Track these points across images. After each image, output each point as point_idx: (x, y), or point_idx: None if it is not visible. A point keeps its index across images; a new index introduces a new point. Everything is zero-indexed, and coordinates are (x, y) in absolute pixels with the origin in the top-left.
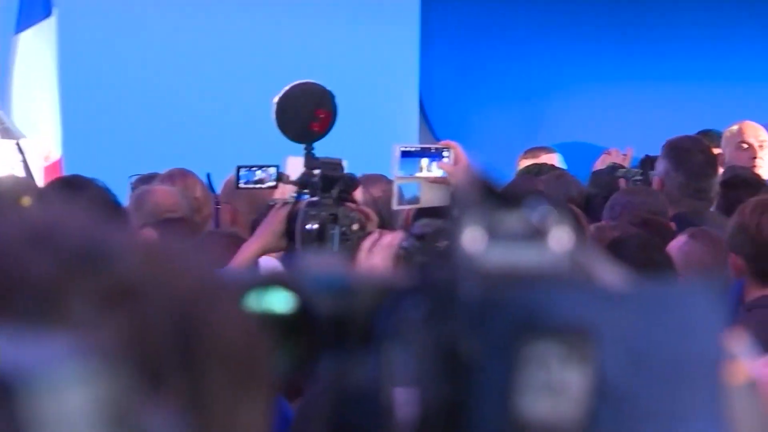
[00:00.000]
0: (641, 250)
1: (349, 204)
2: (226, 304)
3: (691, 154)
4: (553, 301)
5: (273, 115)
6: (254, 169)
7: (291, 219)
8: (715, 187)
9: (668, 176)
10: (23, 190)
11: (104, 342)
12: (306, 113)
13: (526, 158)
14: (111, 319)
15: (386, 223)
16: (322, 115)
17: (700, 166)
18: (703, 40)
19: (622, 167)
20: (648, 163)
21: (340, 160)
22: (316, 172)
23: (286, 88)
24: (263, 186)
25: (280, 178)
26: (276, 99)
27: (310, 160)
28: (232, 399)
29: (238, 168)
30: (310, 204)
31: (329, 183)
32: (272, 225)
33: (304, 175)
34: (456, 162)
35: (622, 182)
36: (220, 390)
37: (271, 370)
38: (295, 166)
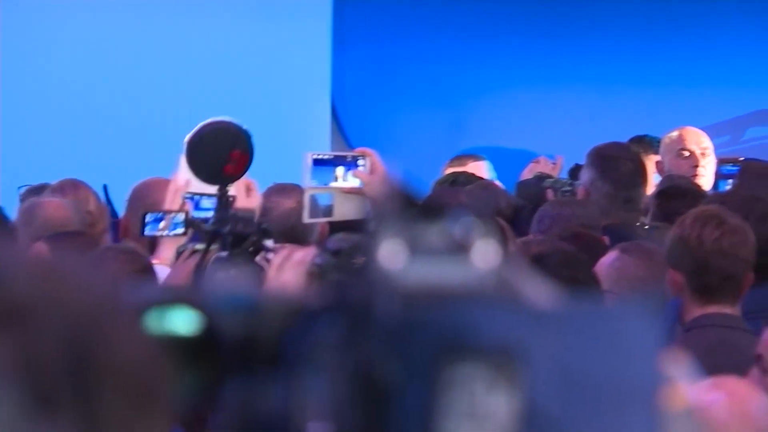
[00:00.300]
0: (564, 267)
1: (263, 259)
2: (123, 325)
3: (619, 162)
4: (477, 320)
5: (184, 155)
6: (161, 215)
7: (198, 270)
8: (645, 197)
9: (594, 186)
10: None
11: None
12: (219, 154)
13: (452, 166)
14: (1, 345)
15: (299, 237)
16: (236, 157)
17: (629, 174)
18: (641, 42)
19: (550, 177)
20: (578, 172)
21: (252, 213)
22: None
23: (199, 126)
24: (170, 234)
25: (190, 224)
26: (187, 138)
27: (222, 211)
28: (129, 424)
29: (144, 214)
30: (219, 260)
31: (240, 240)
32: (178, 279)
33: (215, 223)
34: (372, 171)
35: (549, 193)
36: (117, 415)
37: (171, 395)
38: (186, 167)
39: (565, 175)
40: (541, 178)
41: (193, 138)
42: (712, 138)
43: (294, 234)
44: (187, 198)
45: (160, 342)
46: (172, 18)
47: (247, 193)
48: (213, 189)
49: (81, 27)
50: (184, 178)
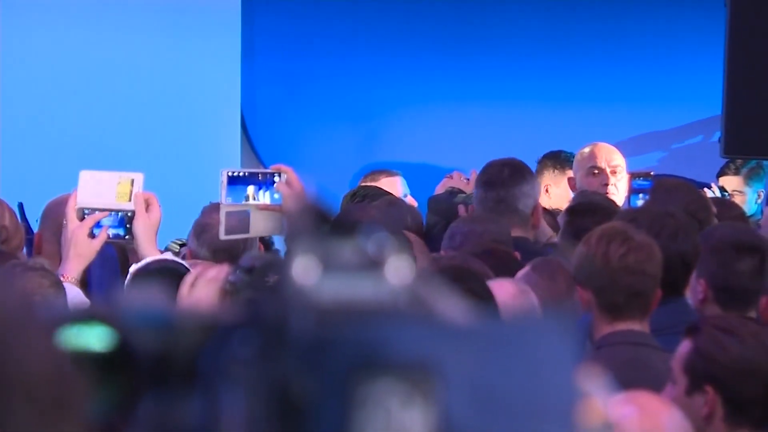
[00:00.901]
0: (459, 282)
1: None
2: (32, 338)
3: (492, 167)
4: (391, 336)
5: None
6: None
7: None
8: (525, 200)
9: (476, 198)
10: None
11: None
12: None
13: (365, 181)
14: None
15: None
16: None
17: (500, 176)
18: (554, 57)
19: (462, 192)
20: None
21: None
22: None
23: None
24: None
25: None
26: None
27: None
28: None
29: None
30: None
31: None
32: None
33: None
34: (290, 188)
35: (461, 209)
36: (25, 425)
37: (84, 409)
38: (86, 183)
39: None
40: (452, 193)
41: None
42: (628, 153)
43: (234, 251)
44: (86, 213)
45: (73, 357)
46: (76, 28)
47: (147, 208)
48: (108, 203)
49: None
50: (82, 194)
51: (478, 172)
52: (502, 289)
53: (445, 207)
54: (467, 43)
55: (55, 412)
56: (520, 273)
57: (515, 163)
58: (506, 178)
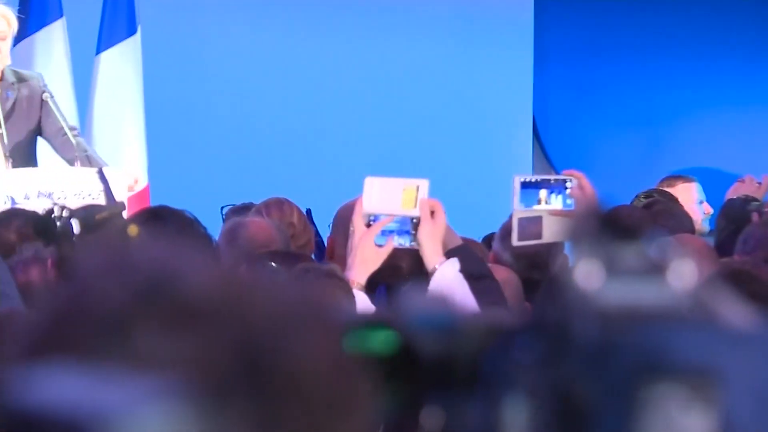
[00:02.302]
0: (745, 286)
1: None
2: (310, 337)
3: None
4: (674, 341)
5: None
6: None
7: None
8: None
9: None
10: (119, 221)
11: (171, 371)
12: None
13: (661, 186)
14: (176, 341)
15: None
16: None
17: None
18: None
19: (756, 200)
20: None
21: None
22: None
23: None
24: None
25: None
26: None
27: None
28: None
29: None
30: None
31: None
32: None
33: None
34: (582, 193)
35: (755, 216)
36: (296, 421)
37: (362, 414)
38: (371, 189)
39: None
40: (747, 201)
41: None
42: None
43: (536, 258)
44: (372, 219)
45: (358, 359)
46: (369, 39)
47: (432, 215)
48: (393, 209)
49: (270, 44)
50: (368, 200)
51: None
52: None
53: (738, 213)
54: (755, 47)
55: (331, 408)
56: None
57: None
58: None
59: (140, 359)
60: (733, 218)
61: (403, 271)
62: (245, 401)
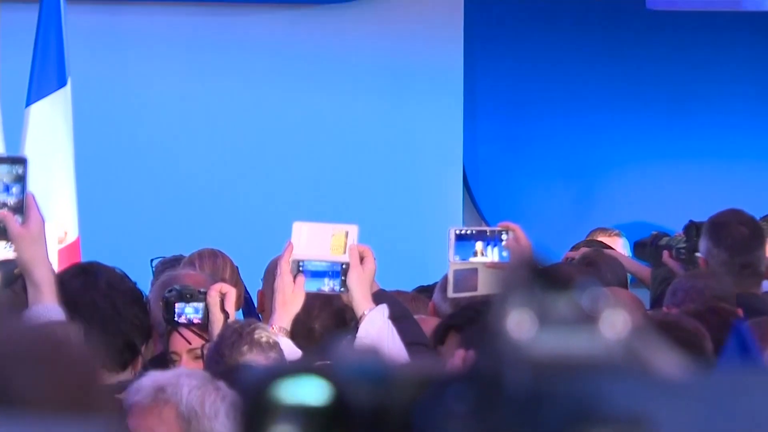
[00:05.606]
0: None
1: None
2: (36, 373)
3: (731, 228)
4: (606, 390)
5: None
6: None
7: None
8: (764, 261)
9: (710, 255)
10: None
11: None
12: None
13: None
14: None
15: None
16: None
17: (743, 239)
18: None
19: (666, 235)
20: (693, 229)
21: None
22: None
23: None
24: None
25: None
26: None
27: None
28: None
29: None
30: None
31: None
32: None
33: None
34: (518, 245)
35: (665, 254)
36: None
37: None
38: (300, 234)
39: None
40: (657, 237)
41: None
42: None
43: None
44: (301, 264)
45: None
46: (300, 89)
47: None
48: (322, 255)
49: (200, 97)
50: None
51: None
52: None
53: (649, 251)
54: (683, 102)
55: None
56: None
57: (750, 221)
58: (748, 240)
59: None
60: (645, 256)
61: (315, 333)
62: None
